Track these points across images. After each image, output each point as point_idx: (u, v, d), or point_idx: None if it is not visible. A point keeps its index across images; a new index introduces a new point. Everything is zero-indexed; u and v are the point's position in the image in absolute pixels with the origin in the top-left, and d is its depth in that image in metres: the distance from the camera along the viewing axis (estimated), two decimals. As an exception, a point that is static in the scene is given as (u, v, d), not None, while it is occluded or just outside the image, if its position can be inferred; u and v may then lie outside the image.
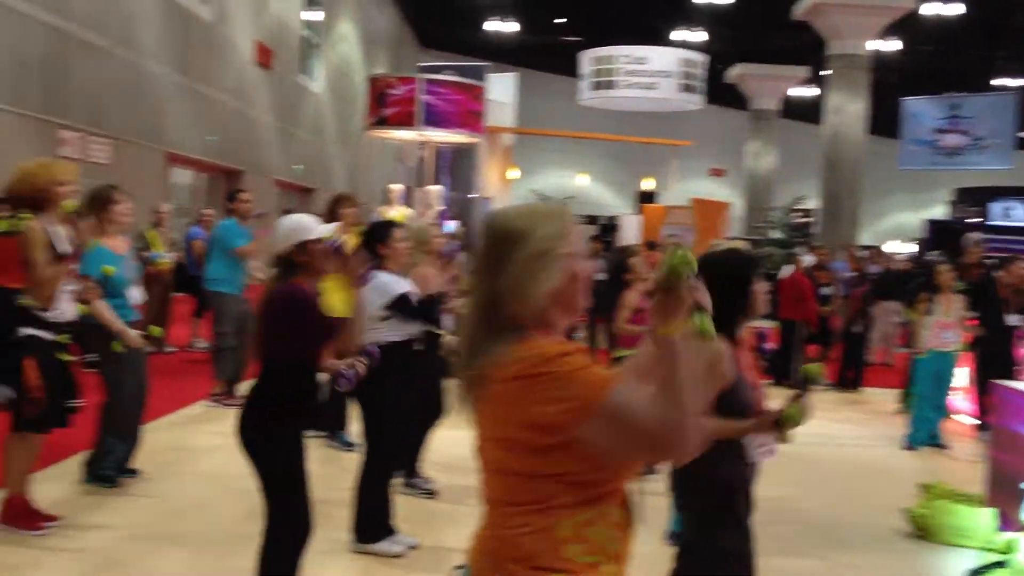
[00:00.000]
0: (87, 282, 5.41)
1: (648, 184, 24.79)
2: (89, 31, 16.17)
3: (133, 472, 6.16)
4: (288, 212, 5.13)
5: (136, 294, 5.88)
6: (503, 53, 28.92)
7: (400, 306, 5.03)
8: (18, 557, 4.76)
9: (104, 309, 5.61)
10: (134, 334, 5.70)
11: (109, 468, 5.97)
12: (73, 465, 6.28)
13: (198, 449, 7.13)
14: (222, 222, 8.98)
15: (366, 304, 4.93)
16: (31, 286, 4.89)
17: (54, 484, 5.83)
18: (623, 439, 1.90)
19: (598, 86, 18.78)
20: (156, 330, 5.90)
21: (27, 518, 5.03)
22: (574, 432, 1.90)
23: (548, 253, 2.01)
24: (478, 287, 2.08)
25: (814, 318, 11.69)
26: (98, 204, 5.67)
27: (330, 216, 7.42)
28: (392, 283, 5.07)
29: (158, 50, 18.70)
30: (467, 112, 13.41)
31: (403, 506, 5.64)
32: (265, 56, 24.08)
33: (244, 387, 8.74)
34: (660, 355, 1.97)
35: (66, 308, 5.04)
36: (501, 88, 15.89)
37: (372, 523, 5.12)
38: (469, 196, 14.99)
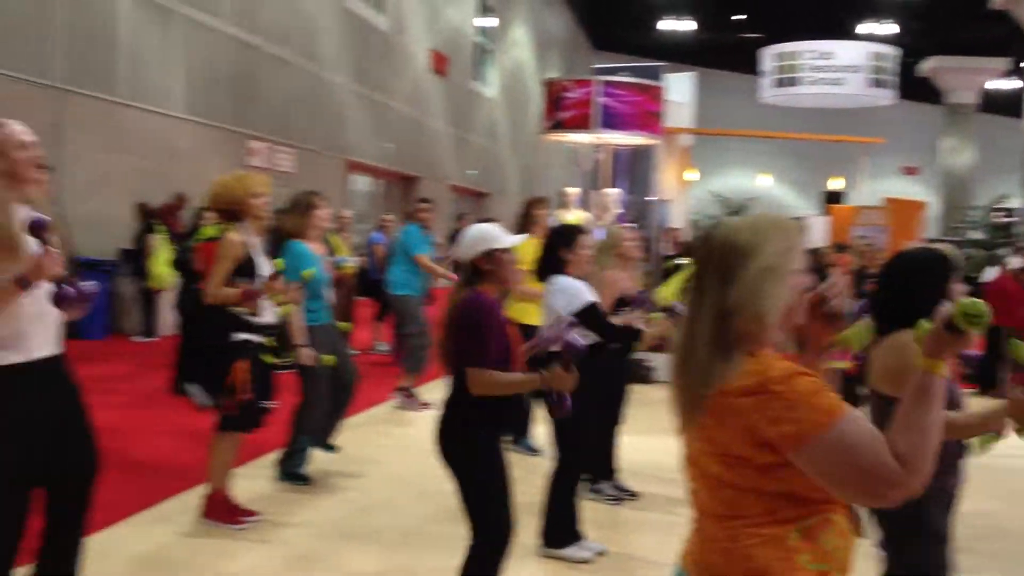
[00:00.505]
0: (288, 286, 5.55)
1: (835, 184, 23.86)
2: (275, 45, 16.78)
3: (331, 447, 6.39)
4: (485, 220, 5.09)
5: (331, 296, 6.05)
6: (679, 52, 28.44)
7: (587, 316, 4.85)
8: (219, 549, 4.89)
9: (298, 318, 5.76)
10: (310, 353, 5.81)
11: (299, 466, 6.10)
12: (271, 462, 6.47)
13: (384, 450, 7.21)
14: (406, 227, 9.11)
15: (550, 307, 4.86)
16: (206, 292, 5.04)
17: (253, 480, 5.99)
18: (837, 473, 1.87)
19: (781, 83, 18.20)
20: (345, 325, 6.07)
21: (227, 513, 5.17)
22: (791, 455, 1.89)
23: (778, 269, 1.98)
24: (701, 300, 2.03)
25: (1022, 325, 10.90)
26: (301, 209, 5.95)
27: (525, 218, 7.40)
28: (580, 289, 4.92)
29: (338, 61, 19.26)
30: (645, 113, 13.18)
31: (590, 511, 5.52)
32: (440, 63, 24.48)
33: (426, 391, 8.96)
34: (918, 391, 1.92)
35: (269, 312, 5.16)
36: (678, 88, 15.56)
37: (561, 528, 5.04)
38: (647, 199, 14.72)
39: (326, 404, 6.15)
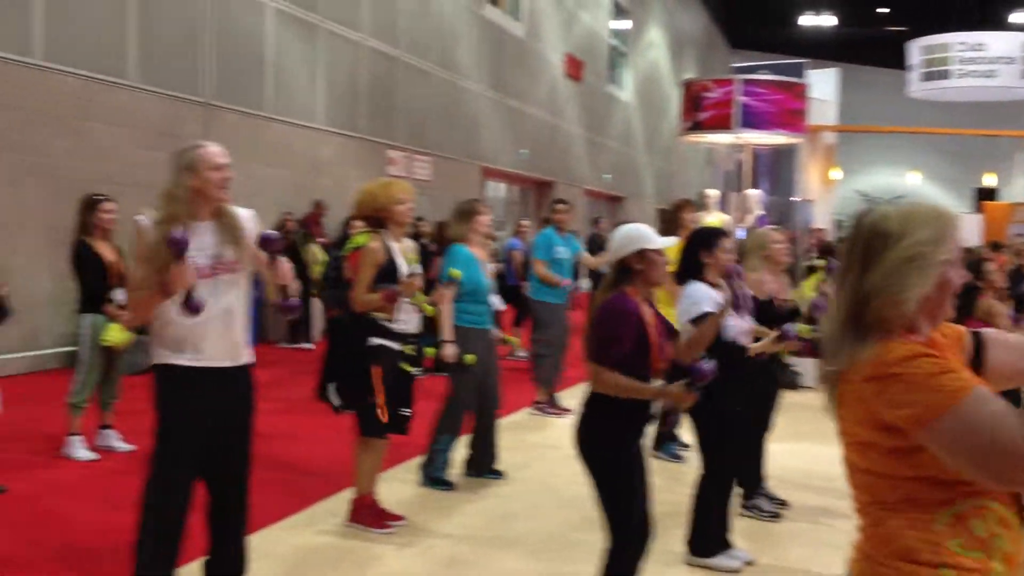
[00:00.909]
0: (440, 287, 5.63)
1: (988, 180, 22.78)
2: (413, 55, 17.05)
3: (498, 473, 6.39)
4: (626, 222, 5.05)
5: (496, 301, 6.11)
6: (820, 48, 27.73)
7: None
8: (365, 553, 4.95)
9: (447, 316, 5.86)
10: (454, 351, 5.91)
11: (441, 470, 6.15)
12: (416, 465, 6.55)
13: (524, 456, 7.19)
14: (541, 232, 9.09)
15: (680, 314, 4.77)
16: (353, 299, 5.11)
17: (402, 484, 6.08)
18: (964, 454, 1.82)
19: (929, 76, 17.50)
20: (514, 340, 6.19)
21: (374, 517, 5.24)
22: (917, 438, 1.85)
23: (922, 257, 1.95)
24: (844, 285, 2.03)
25: None
26: (465, 215, 6.14)
27: (672, 222, 7.32)
28: (703, 297, 4.74)
29: (474, 69, 19.44)
30: (787, 112, 12.86)
31: (740, 521, 5.38)
32: (575, 68, 24.46)
33: (564, 397, 8.93)
34: None
35: (411, 319, 5.21)
36: (821, 85, 15.15)
37: (709, 536, 4.93)
38: (789, 199, 14.34)
39: (470, 407, 6.20)
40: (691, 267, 4.87)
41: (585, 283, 8.97)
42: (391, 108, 16.42)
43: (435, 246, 10.48)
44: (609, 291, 3.82)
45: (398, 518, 5.34)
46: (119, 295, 6.50)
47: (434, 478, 6.13)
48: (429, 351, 5.82)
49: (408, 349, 5.23)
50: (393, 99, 16.47)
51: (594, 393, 3.80)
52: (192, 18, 11.76)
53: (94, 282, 6.44)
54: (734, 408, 4.91)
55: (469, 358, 5.98)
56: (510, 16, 21.03)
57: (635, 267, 3.79)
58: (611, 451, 3.76)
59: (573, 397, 9.11)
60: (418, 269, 5.23)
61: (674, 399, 3.79)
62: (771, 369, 5.76)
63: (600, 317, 3.78)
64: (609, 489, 3.77)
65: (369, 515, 5.22)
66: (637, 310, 3.77)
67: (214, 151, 3.66)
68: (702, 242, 4.92)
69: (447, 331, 5.94)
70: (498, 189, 21.79)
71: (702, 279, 4.81)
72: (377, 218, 5.18)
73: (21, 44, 9.41)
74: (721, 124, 13.23)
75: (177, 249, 3.46)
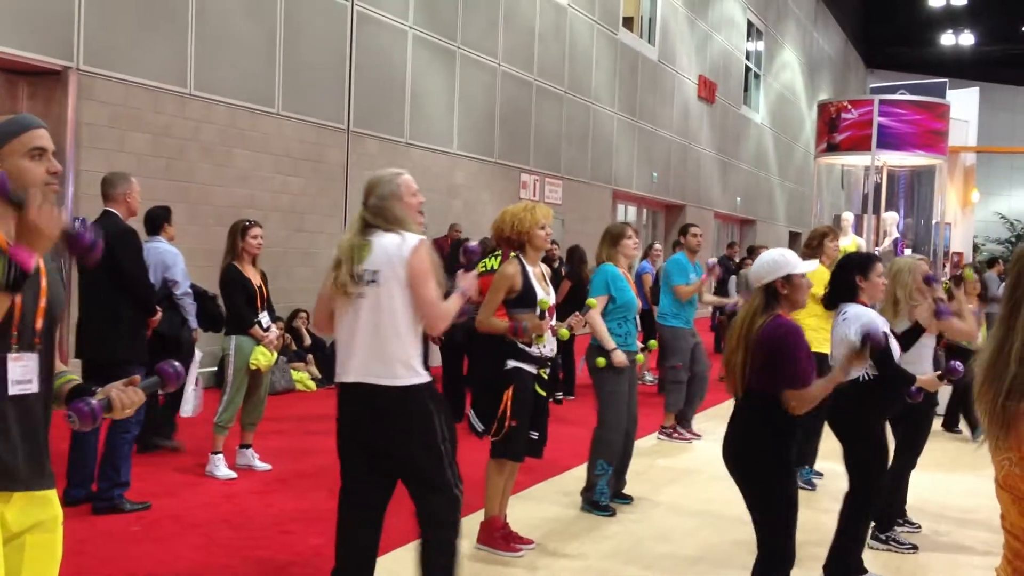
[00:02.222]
0: (576, 314, 5.68)
1: None
2: (547, 79, 17.20)
3: (628, 499, 6.39)
4: (761, 247, 5.05)
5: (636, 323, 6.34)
6: (958, 67, 26.76)
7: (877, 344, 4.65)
8: (496, 577, 5.00)
9: (600, 323, 6.03)
10: (622, 356, 6.08)
11: (602, 494, 6.20)
12: (548, 488, 6.64)
13: (654, 481, 7.15)
14: (673, 257, 9.04)
15: (840, 335, 4.74)
16: (477, 320, 5.17)
17: (538, 504, 6.14)
18: None
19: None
20: (653, 344, 6.26)
21: (503, 539, 5.28)
22: None
23: None
24: (1015, 312, 1.98)
25: None
26: (613, 238, 6.34)
27: (813, 247, 7.26)
28: (873, 318, 4.78)
29: (607, 92, 19.49)
30: (927, 132, 12.47)
31: (874, 552, 5.24)
32: (708, 90, 24.25)
33: (698, 421, 8.86)
34: None
35: (549, 344, 5.25)
36: (960, 104, 14.62)
37: (848, 561, 4.85)
38: (926, 222, 13.88)
39: (622, 430, 6.25)
40: (844, 291, 4.94)
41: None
42: (525, 132, 16.60)
43: (565, 270, 10.53)
44: (762, 316, 3.86)
45: (527, 541, 5.37)
46: (264, 318, 6.76)
47: (594, 503, 6.19)
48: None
49: (543, 372, 5.28)
50: (527, 123, 16.65)
51: (758, 414, 3.84)
52: (336, 48, 12.17)
53: (241, 305, 6.70)
54: (883, 434, 4.92)
55: (600, 361, 6.05)
56: (644, 39, 21.03)
57: (781, 292, 3.86)
58: (777, 471, 3.84)
59: (702, 422, 9.03)
60: (550, 299, 5.26)
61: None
62: (929, 397, 5.63)
63: (772, 344, 3.79)
64: (772, 509, 3.83)
65: (498, 538, 5.27)
66: (800, 329, 3.88)
67: (409, 178, 3.96)
68: (858, 267, 4.98)
69: (607, 340, 6.07)
70: (628, 212, 21.74)
71: (856, 303, 4.88)
72: (518, 241, 5.24)
73: (176, 75, 9.90)
74: (858, 145, 12.91)
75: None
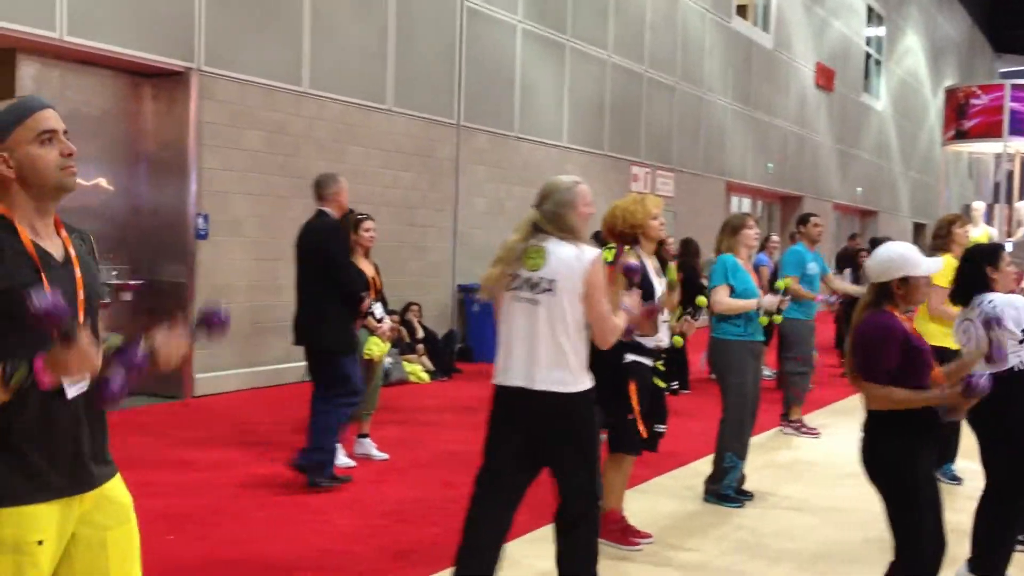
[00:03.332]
0: (685, 318, 5.56)
1: None
2: (658, 70, 16.98)
3: (749, 495, 6.24)
4: (884, 239, 4.85)
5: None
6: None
7: None
8: (613, 572, 4.88)
9: (729, 301, 5.95)
10: (770, 298, 6.08)
11: (729, 487, 6.09)
12: (666, 482, 6.52)
13: (774, 476, 6.95)
14: (791, 247, 8.78)
15: (969, 328, 4.53)
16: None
17: (649, 501, 6.00)
18: None
19: None
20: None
21: (621, 533, 5.19)
22: None
23: None
24: None
25: None
26: (733, 229, 6.20)
27: (942, 237, 6.93)
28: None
29: (720, 81, 19.14)
30: (1064, 115, 11.86)
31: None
32: (826, 78, 23.62)
33: (821, 416, 8.59)
34: None
35: (664, 336, 5.15)
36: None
37: (994, 562, 4.58)
38: (1065, 210, 13.18)
39: (749, 421, 6.13)
40: (976, 283, 4.73)
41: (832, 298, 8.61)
42: (635, 124, 16.42)
43: (678, 262, 10.34)
44: (868, 310, 3.78)
45: (645, 535, 5.27)
46: (378, 309, 6.80)
47: (722, 495, 6.08)
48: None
49: (659, 365, 5.17)
50: (637, 115, 16.46)
51: (876, 412, 3.74)
52: (446, 43, 12.22)
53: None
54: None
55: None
56: (758, 26, 20.58)
57: (896, 292, 3.74)
58: (902, 468, 3.69)
59: (817, 418, 8.75)
60: (670, 286, 5.16)
61: (953, 404, 3.65)
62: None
63: (863, 336, 3.75)
64: (901, 506, 3.70)
65: (616, 531, 5.17)
66: (900, 325, 3.73)
67: (587, 189, 3.97)
68: (986, 257, 4.78)
69: (745, 306, 5.95)
70: (743, 204, 21.30)
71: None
72: (631, 233, 5.14)
73: (290, 73, 10.07)
74: (989, 132, 12.35)
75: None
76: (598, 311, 3.80)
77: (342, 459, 6.68)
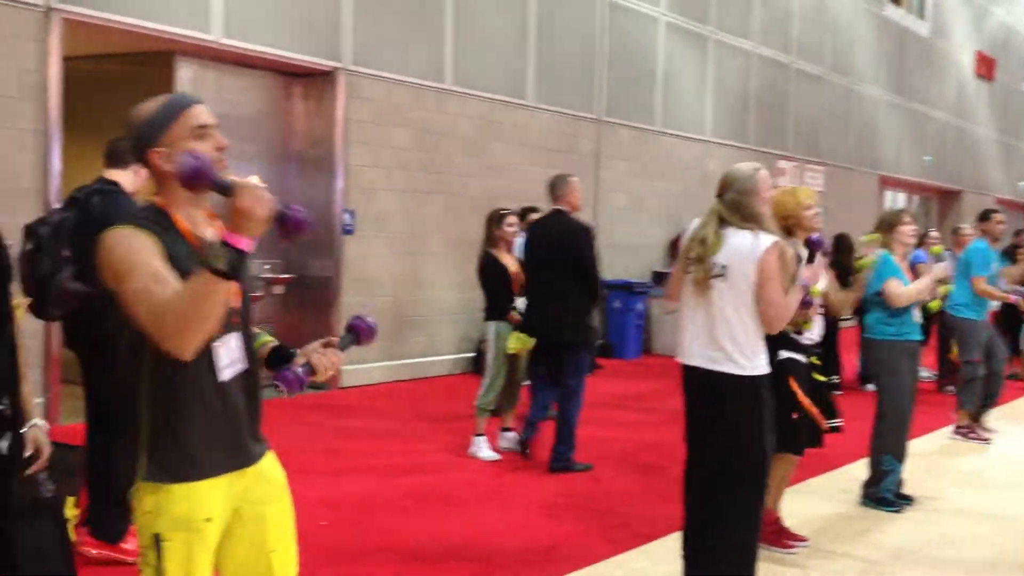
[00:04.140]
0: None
1: None
2: (805, 61, 16.50)
3: (908, 499, 5.97)
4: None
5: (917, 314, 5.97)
6: None
7: None
8: (768, 574, 4.71)
9: (904, 290, 5.72)
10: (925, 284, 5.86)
11: (888, 490, 5.86)
12: (822, 484, 6.31)
13: (940, 482, 6.60)
14: (972, 244, 8.25)
15: None
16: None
17: (806, 501, 5.80)
18: None
19: None
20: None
21: (776, 536, 5.00)
22: None
23: None
24: None
25: None
26: (888, 225, 6.02)
27: None
28: None
29: (872, 71, 18.47)
30: None
31: None
32: (987, 67, 22.52)
33: (992, 419, 8.12)
34: None
35: (816, 330, 4.96)
36: None
37: None
38: None
39: (908, 422, 5.89)
40: None
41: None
42: (782, 116, 15.97)
43: (831, 259, 9.95)
44: None
45: (801, 538, 5.07)
46: (521, 303, 6.77)
47: (880, 499, 5.85)
48: None
49: (814, 359, 4.98)
50: (784, 107, 16.01)
51: None
52: (587, 37, 12.13)
53: (499, 292, 6.74)
54: None
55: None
56: (914, 15, 19.75)
57: None
58: None
59: (998, 420, 8.28)
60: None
61: None
62: None
63: None
64: None
65: (771, 533, 4.98)
66: None
67: (767, 174, 3.99)
68: None
69: (925, 289, 5.83)
70: (897, 199, 20.47)
71: None
72: (785, 225, 4.95)
73: (434, 71, 10.16)
74: None
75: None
76: (767, 296, 3.81)
77: (486, 452, 6.68)
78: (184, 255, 2.22)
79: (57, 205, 5.94)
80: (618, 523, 5.30)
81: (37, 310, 4.26)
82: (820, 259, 4.23)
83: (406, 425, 7.74)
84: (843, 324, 7.18)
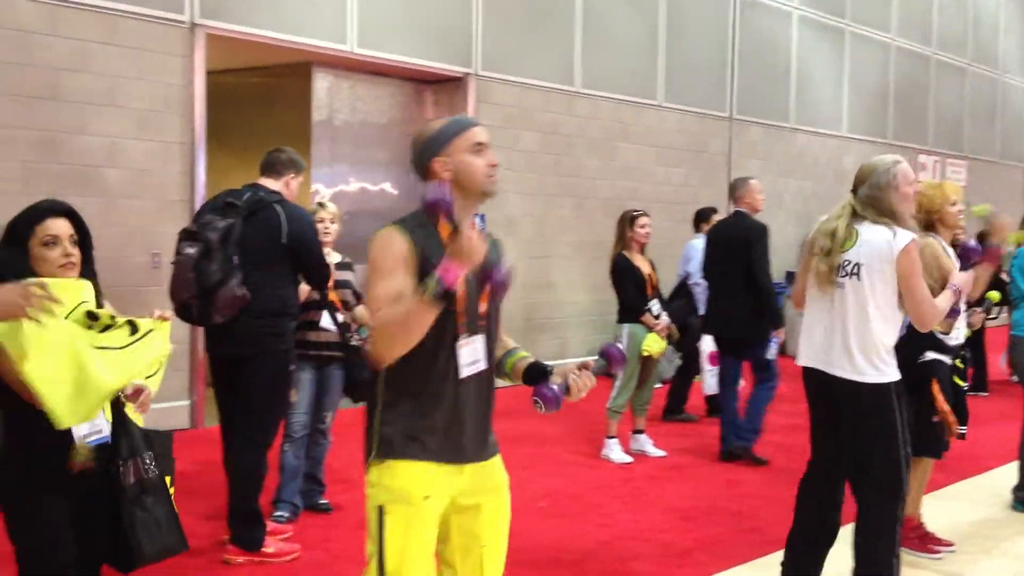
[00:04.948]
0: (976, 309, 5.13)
1: None
2: (947, 52, 15.91)
3: None
4: None
5: None
6: None
7: None
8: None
9: None
10: None
11: None
12: (967, 488, 6.13)
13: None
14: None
15: None
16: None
17: (950, 506, 5.61)
18: None
19: None
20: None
21: (919, 540, 4.86)
22: None
23: None
24: None
25: None
26: None
27: None
28: None
29: (1017, 62, 17.69)
30: None
31: None
32: None
33: None
34: None
35: (961, 331, 4.77)
36: None
37: None
38: None
39: None
40: None
41: None
42: (922, 110, 15.44)
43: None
44: None
45: (946, 543, 4.91)
46: (655, 307, 6.74)
47: None
48: None
49: (958, 362, 4.81)
50: (924, 100, 15.47)
51: None
52: (718, 35, 11.98)
53: (632, 293, 6.71)
54: None
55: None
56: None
57: None
58: None
59: None
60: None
61: None
62: None
63: None
64: None
65: (914, 538, 4.84)
66: None
67: (908, 168, 3.80)
68: None
69: None
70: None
71: None
72: (928, 220, 4.79)
73: (563, 74, 10.20)
74: None
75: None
76: (915, 296, 3.63)
77: (619, 455, 6.67)
78: (437, 253, 2.42)
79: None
80: (751, 527, 5.22)
81: (200, 316, 4.38)
82: (977, 270, 4.02)
83: (538, 427, 7.78)
84: (989, 323, 6.92)
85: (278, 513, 5.03)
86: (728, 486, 6.05)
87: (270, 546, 4.53)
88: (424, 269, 2.39)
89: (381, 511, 2.46)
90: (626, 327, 6.72)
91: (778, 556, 4.56)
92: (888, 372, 3.68)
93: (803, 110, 13.22)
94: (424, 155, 2.59)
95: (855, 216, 3.73)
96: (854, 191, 3.79)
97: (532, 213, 9.96)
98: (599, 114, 10.58)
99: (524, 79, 9.80)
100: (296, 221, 4.51)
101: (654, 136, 11.18)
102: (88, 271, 2.89)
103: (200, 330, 6.85)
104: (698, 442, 7.28)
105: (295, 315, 4.70)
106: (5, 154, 6.46)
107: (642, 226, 6.78)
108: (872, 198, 3.70)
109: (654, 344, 6.66)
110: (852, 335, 3.65)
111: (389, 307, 2.36)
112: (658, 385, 7.42)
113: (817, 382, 3.79)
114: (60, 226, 2.80)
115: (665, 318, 6.84)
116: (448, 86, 9.52)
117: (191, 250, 4.30)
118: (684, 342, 7.81)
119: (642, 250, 6.87)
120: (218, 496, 5.02)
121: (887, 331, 3.67)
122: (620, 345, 2.68)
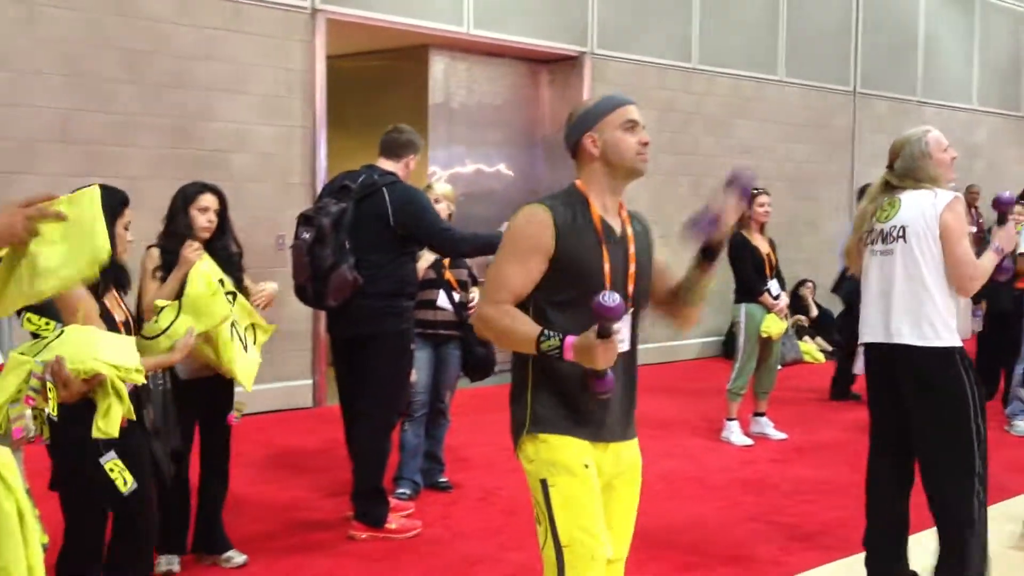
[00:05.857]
0: None
1: None
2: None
3: None
4: None
5: None
6: None
7: None
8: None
9: None
10: None
11: None
12: None
13: None
14: None
15: None
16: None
17: None
18: None
19: None
20: None
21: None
22: None
23: None
24: None
25: None
26: None
27: None
28: None
29: None
30: None
31: None
32: None
33: None
34: None
35: None
36: None
37: None
38: None
39: None
40: None
41: None
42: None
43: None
44: None
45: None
46: (774, 287, 6.60)
47: None
48: None
49: None
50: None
51: None
52: (841, 5, 11.62)
53: (750, 273, 6.59)
54: None
55: None
56: None
57: None
58: None
59: None
60: None
61: None
62: None
63: None
64: None
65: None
66: None
67: (940, 134, 3.73)
68: None
69: None
70: None
71: None
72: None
73: (680, 51, 10.04)
74: None
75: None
76: (955, 255, 3.52)
77: (739, 437, 6.57)
78: (584, 231, 2.51)
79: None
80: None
81: (315, 298, 4.51)
82: (1012, 221, 3.74)
83: (656, 410, 7.71)
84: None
85: (400, 491, 5.11)
86: (851, 469, 5.88)
87: (393, 522, 4.62)
88: (560, 247, 2.45)
89: (545, 484, 2.47)
90: (743, 307, 6.60)
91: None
92: (947, 337, 3.55)
93: (931, 83, 12.74)
94: (576, 130, 2.60)
95: (895, 188, 3.70)
96: (890, 166, 3.74)
97: (648, 192, 9.83)
98: (717, 90, 10.39)
99: (640, 56, 9.69)
100: (400, 203, 4.53)
101: (775, 112, 10.93)
102: (222, 245, 3.91)
103: (321, 312, 7.02)
104: (819, 424, 7.12)
105: (413, 295, 4.76)
106: (137, 141, 6.71)
107: (761, 204, 6.64)
108: (909, 169, 3.67)
109: (773, 325, 6.53)
110: (907, 298, 3.58)
111: (499, 310, 2.45)
112: (779, 367, 7.26)
113: (885, 358, 3.68)
114: (209, 200, 4.00)
115: (785, 299, 6.69)
116: (563, 65, 9.48)
117: (306, 235, 4.43)
118: (847, 323, 7.59)
119: (761, 229, 6.73)
120: (342, 472, 5.14)
121: (940, 293, 3.55)
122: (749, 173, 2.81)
